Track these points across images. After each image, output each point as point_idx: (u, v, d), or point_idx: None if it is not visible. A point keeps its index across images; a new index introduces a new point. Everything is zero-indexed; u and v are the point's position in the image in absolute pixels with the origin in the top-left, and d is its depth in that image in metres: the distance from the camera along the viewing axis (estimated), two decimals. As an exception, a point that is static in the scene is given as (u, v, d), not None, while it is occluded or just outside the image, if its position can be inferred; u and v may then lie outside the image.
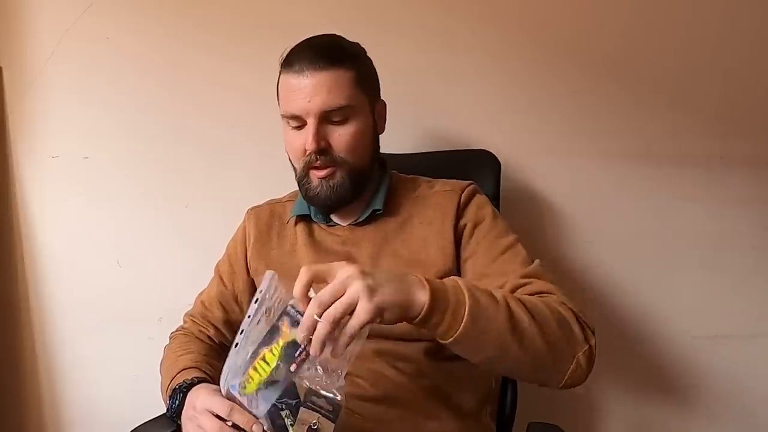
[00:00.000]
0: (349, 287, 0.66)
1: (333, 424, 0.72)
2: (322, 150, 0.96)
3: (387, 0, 1.38)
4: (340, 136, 0.97)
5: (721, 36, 1.40)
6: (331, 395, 0.71)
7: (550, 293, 0.87)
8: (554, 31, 1.39)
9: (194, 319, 1.10)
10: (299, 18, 1.34)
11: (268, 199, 1.18)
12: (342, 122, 0.97)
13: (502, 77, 1.40)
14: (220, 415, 0.76)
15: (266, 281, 0.74)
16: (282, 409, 0.71)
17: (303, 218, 1.08)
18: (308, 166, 0.98)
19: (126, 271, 1.42)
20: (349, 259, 1.01)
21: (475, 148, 1.34)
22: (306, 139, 0.96)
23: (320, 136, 0.95)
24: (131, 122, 1.39)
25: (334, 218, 1.06)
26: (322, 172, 0.97)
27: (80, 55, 1.37)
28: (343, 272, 0.68)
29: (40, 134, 1.38)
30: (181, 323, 1.13)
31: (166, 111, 1.39)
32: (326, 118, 0.96)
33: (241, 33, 1.37)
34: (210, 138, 1.40)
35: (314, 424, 0.70)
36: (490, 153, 1.30)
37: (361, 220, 1.03)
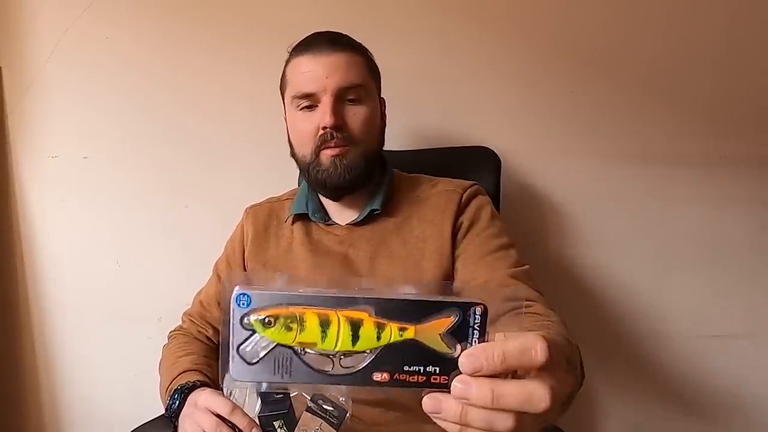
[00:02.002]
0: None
1: None
2: (338, 126, 0.96)
3: (386, 3, 1.38)
4: (355, 115, 0.98)
5: (719, 37, 1.40)
6: (338, 401, 0.70)
7: (549, 318, 0.82)
8: (556, 31, 1.39)
9: (192, 319, 1.10)
10: (297, 20, 1.34)
11: (267, 198, 1.18)
12: (356, 102, 0.98)
13: (503, 75, 1.40)
14: (220, 414, 0.76)
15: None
16: (275, 419, 0.70)
17: (301, 217, 1.07)
18: (320, 147, 0.97)
19: (125, 270, 1.42)
20: (346, 260, 1.00)
21: (475, 145, 1.34)
22: (321, 116, 0.96)
23: (337, 111, 0.96)
24: (131, 122, 1.39)
25: (333, 217, 1.06)
26: (336, 150, 0.96)
27: (80, 55, 1.37)
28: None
29: (39, 134, 1.38)
30: (180, 323, 1.13)
31: (165, 111, 1.39)
32: (341, 96, 0.96)
33: (240, 34, 1.37)
34: (209, 138, 1.40)
35: (316, 430, 0.69)
36: (491, 150, 1.30)
37: (359, 219, 1.03)
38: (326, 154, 0.97)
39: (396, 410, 0.93)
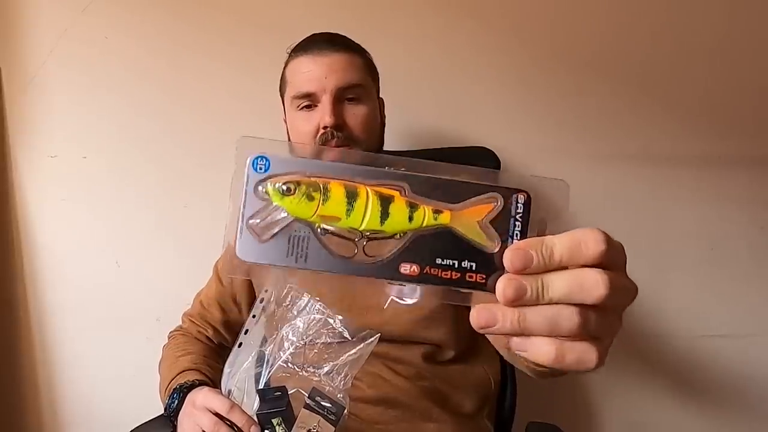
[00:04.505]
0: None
1: (333, 429, 0.70)
2: (339, 126, 0.96)
3: (385, 4, 1.38)
4: (355, 115, 0.98)
5: (718, 37, 1.40)
6: (335, 397, 0.70)
7: None
8: (555, 32, 1.39)
9: (192, 320, 1.10)
10: (296, 21, 1.34)
11: None
12: (355, 101, 0.98)
13: (502, 75, 1.40)
14: (219, 412, 0.76)
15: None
16: (274, 416, 0.70)
17: None
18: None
19: (125, 271, 1.41)
20: None
21: (475, 145, 1.35)
22: (321, 116, 0.96)
23: (337, 111, 0.96)
24: (130, 122, 1.38)
25: None
26: None
27: (78, 55, 1.36)
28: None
29: (38, 134, 1.38)
30: (180, 323, 1.13)
31: (164, 111, 1.39)
32: (341, 96, 0.97)
33: (239, 34, 1.37)
34: (209, 138, 1.39)
35: (314, 427, 0.69)
36: (490, 150, 1.30)
37: None
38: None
39: (395, 408, 0.93)
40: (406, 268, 0.37)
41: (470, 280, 0.37)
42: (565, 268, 0.36)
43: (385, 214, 0.37)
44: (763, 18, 1.39)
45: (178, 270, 1.40)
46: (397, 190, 0.37)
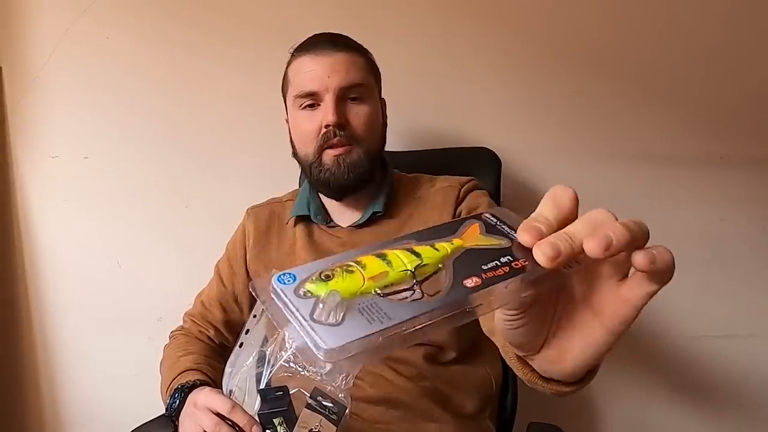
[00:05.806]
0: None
1: (335, 428, 0.70)
2: (341, 125, 0.96)
3: (386, 4, 1.38)
4: (357, 115, 0.98)
5: (718, 37, 1.40)
6: (337, 397, 0.70)
7: None
8: (556, 31, 1.39)
9: (194, 320, 1.10)
10: (297, 22, 1.35)
11: (269, 198, 1.18)
12: (358, 101, 0.99)
13: (503, 76, 1.40)
14: (220, 412, 0.76)
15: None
16: (275, 416, 0.70)
17: (303, 219, 1.07)
18: (323, 147, 0.97)
19: (126, 271, 1.42)
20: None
21: (475, 145, 1.35)
22: (324, 114, 0.96)
23: (339, 110, 0.96)
24: (131, 122, 1.39)
25: (335, 219, 1.06)
26: (339, 150, 0.97)
27: (80, 56, 1.37)
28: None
29: (40, 134, 1.38)
30: (181, 323, 1.13)
31: (166, 111, 1.39)
32: (343, 95, 0.97)
33: (240, 35, 1.37)
34: (209, 138, 1.40)
35: (316, 427, 0.69)
36: (491, 151, 1.30)
37: (361, 222, 1.03)
38: (329, 154, 0.98)
39: (397, 408, 0.93)
40: (469, 282, 0.37)
41: (517, 267, 0.38)
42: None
43: (416, 254, 0.39)
44: (763, 18, 1.39)
45: (179, 270, 1.41)
46: (409, 244, 0.40)
